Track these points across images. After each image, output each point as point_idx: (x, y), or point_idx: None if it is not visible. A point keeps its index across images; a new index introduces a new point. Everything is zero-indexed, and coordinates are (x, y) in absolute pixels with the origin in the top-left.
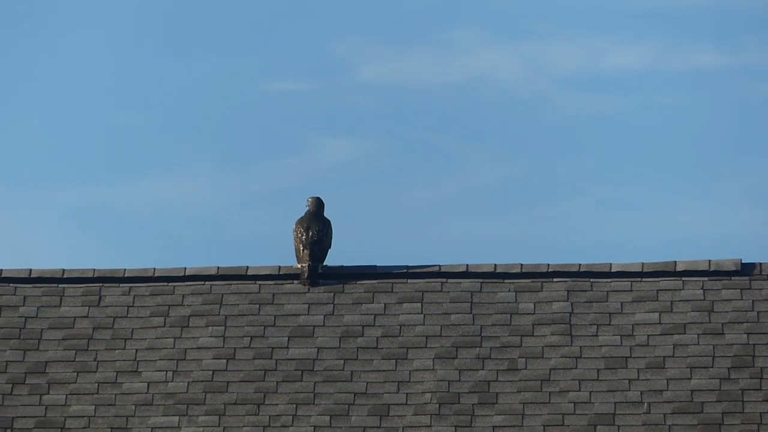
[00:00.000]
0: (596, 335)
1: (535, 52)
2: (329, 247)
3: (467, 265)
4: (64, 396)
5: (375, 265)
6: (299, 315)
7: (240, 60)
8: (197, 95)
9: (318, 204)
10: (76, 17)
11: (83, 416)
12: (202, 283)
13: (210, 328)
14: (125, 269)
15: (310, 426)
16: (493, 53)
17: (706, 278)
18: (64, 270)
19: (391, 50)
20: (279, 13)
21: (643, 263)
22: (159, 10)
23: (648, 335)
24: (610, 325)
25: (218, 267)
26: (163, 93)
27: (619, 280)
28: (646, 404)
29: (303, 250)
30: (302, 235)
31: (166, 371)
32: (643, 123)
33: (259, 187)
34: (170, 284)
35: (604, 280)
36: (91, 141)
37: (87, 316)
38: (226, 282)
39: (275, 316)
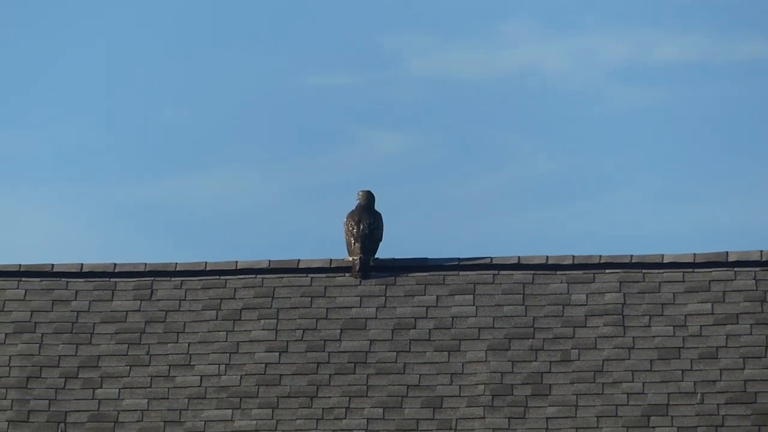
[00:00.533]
0: (649, 326)
1: (584, 45)
2: (380, 240)
3: (519, 257)
4: (117, 390)
5: (426, 258)
6: (351, 308)
7: (289, 54)
8: (247, 90)
9: (369, 197)
10: (125, 14)
11: (136, 410)
12: (254, 276)
13: (262, 321)
14: (177, 263)
15: (363, 418)
16: (542, 46)
17: (758, 268)
18: (115, 264)
19: (441, 43)
20: (328, 7)
21: (695, 254)
22: (207, 4)
23: (701, 326)
24: (662, 315)
25: (270, 260)
26: (213, 88)
27: (671, 270)
28: (699, 395)
29: (354, 243)
30: (353, 228)
31: (219, 365)
32: (692, 114)
33: (309, 180)
34: (222, 278)
35: (656, 270)
36: (141, 137)
37: (139, 310)
38: (278, 275)
39: (327, 309)
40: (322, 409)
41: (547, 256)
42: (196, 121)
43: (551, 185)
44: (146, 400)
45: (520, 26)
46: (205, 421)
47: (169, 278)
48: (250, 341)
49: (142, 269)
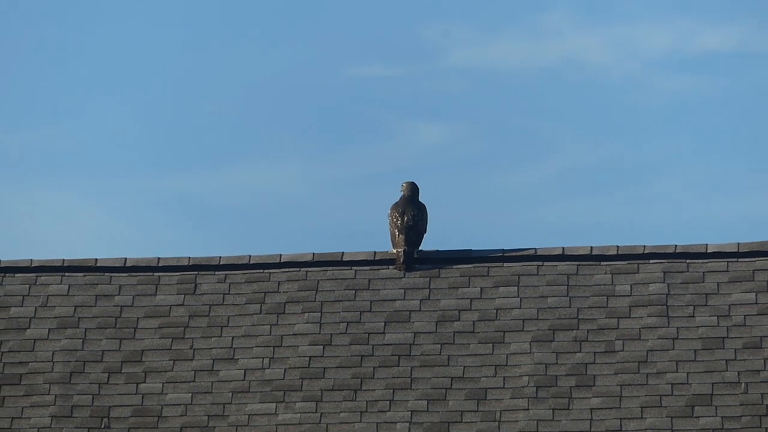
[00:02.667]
0: (693, 316)
1: (625, 35)
2: (424, 232)
3: (563, 248)
4: (161, 384)
5: (470, 249)
6: (395, 300)
7: (329, 46)
8: (287, 83)
9: (413, 189)
10: (166, 7)
11: (180, 404)
12: (298, 269)
13: (306, 314)
14: (220, 257)
15: (408, 411)
16: (583, 36)
17: None
18: (159, 258)
19: (481, 34)
20: None
21: (738, 243)
22: None
23: (745, 315)
24: (706, 305)
25: (314, 253)
26: (255, 81)
27: (715, 260)
28: (743, 384)
29: (398, 235)
30: (397, 220)
31: (263, 358)
32: (734, 103)
33: (352, 172)
34: (266, 271)
35: (701, 260)
36: (184, 130)
37: (183, 305)
38: (322, 268)
39: (371, 302)
40: (366, 402)
41: (591, 247)
42: (238, 114)
43: (594, 175)
44: (190, 394)
45: (560, 17)
46: (249, 415)
47: (212, 272)
48: (293, 335)
49: (185, 263)
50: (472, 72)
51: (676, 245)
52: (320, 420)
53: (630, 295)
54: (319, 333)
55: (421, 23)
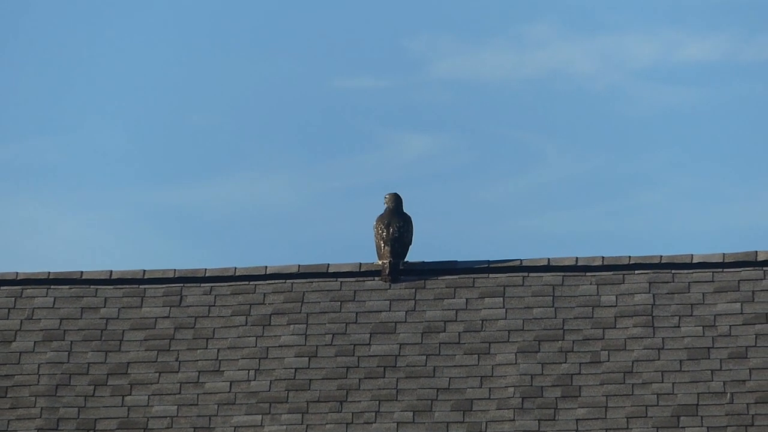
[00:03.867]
0: (678, 326)
1: (610, 45)
2: (410, 244)
3: (548, 258)
4: (147, 396)
5: (456, 261)
6: (381, 311)
7: (315, 57)
8: (274, 94)
9: (397, 200)
10: (152, 19)
11: (166, 416)
12: (284, 281)
13: (292, 326)
14: (206, 269)
15: (393, 422)
16: (568, 47)
17: None
18: (144, 271)
19: (467, 45)
20: (354, 11)
21: (724, 254)
22: (234, 10)
23: (730, 325)
24: (692, 316)
25: (299, 265)
26: (239, 93)
27: (700, 270)
28: (729, 395)
29: (384, 247)
30: (383, 232)
31: (249, 370)
32: (719, 114)
33: (337, 184)
34: (251, 283)
35: (686, 271)
36: (169, 143)
37: (168, 317)
38: (308, 280)
39: (357, 313)
40: (352, 413)
41: (577, 258)
42: (223, 126)
43: (580, 186)
44: (176, 406)
45: (546, 28)
46: (235, 427)
47: (198, 284)
48: (279, 346)
49: (171, 275)
50: (458, 83)
51: (661, 256)
52: (306, 431)
53: (615, 306)
54: (305, 345)
55: (407, 34)
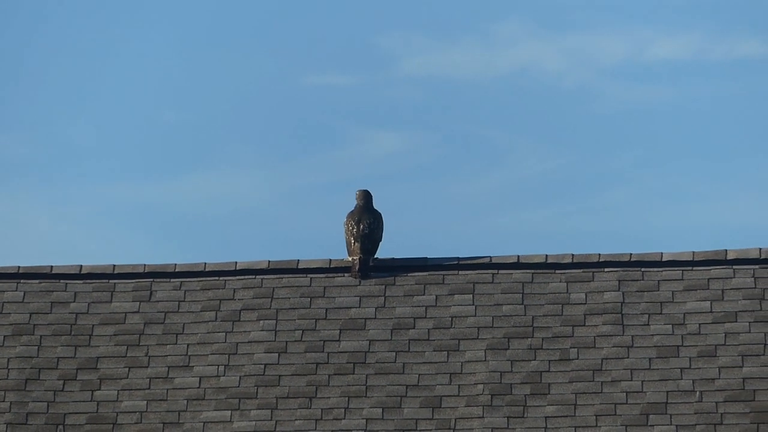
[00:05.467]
0: (648, 324)
1: (579, 43)
2: (380, 240)
3: (518, 256)
4: (116, 391)
5: (426, 257)
6: (350, 308)
7: (286, 55)
8: (244, 91)
9: (367, 197)
10: (125, 17)
11: (135, 411)
12: (253, 277)
13: (261, 321)
14: (176, 264)
15: (363, 419)
16: (538, 45)
17: (757, 266)
18: (114, 266)
19: (436, 43)
20: (323, 8)
21: (693, 252)
22: (202, 7)
23: (699, 324)
24: (661, 314)
25: (269, 261)
26: (210, 89)
27: (670, 269)
28: (698, 393)
29: (354, 243)
30: (353, 228)
31: (218, 365)
32: (689, 112)
33: (306, 180)
34: (221, 278)
35: (655, 269)
36: (138, 138)
37: (138, 312)
38: (277, 276)
39: (326, 309)
40: (321, 409)
41: (546, 255)
42: (193, 122)
43: (549, 184)
44: (145, 401)
45: (515, 26)
46: (204, 422)
47: (168, 279)
48: (249, 342)
49: (141, 270)
50: (429, 80)
51: (630, 254)
52: (275, 428)
53: (585, 303)
54: (275, 340)
55: (377, 32)
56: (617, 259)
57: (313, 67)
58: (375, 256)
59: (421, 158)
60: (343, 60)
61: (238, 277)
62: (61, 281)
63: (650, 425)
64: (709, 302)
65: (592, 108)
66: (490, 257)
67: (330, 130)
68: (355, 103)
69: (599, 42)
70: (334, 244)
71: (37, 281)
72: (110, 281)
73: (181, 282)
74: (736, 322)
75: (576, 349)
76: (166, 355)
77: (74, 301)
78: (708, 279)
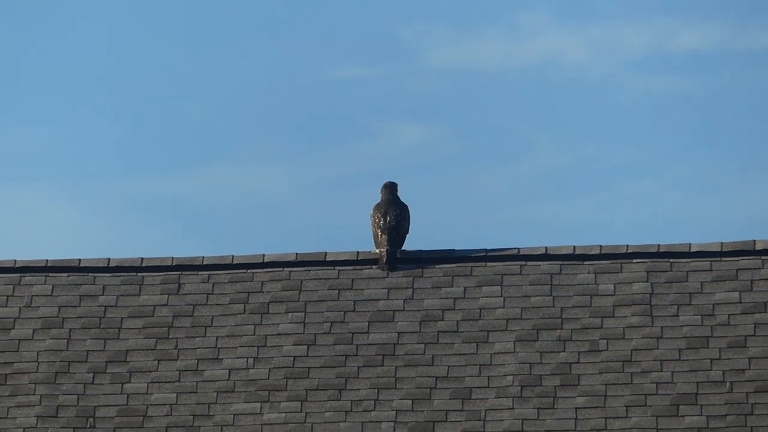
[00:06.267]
0: (677, 315)
1: (603, 35)
2: (407, 232)
3: (546, 247)
4: (146, 384)
5: (453, 249)
6: (379, 300)
7: (308, 47)
8: (268, 84)
9: (393, 189)
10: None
11: (165, 404)
12: (282, 269)
13: (290, 314)
14: (204, 257)
15: (392, 410)
16: (562, 36)
17: None
18: (143, 259)
19: (460, 35)
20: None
21: (722, 243)
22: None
23: (729, 314)
24: (690, 305)
25: (297, 253)
26: (236, 83)
27: (698, 259)
28: (728, 383)
29: (381, 235)
30: (380, 221)
31: (247, 358)
32: (714, 103)
33: (333, 173)
34: (249, 271)
35: (684, 260)
36: (167, 132)
37: (166, 305)
38: (305, 268)
39: (355, 302)
40: (351, 401)
41: (575, 246)
42: (220, 115)
43: (577, 175)
44: (175, 394)
45: (539, 17)
46: (234, 415)
47: (196, 272)
48: (278, 334)
49: (169, 263)
50: (452, 72)
51: (659, 245)
52: (305, 419)
53: (614, 295)
54: (303, 333)
55: (400, 24)
56: (646, 250)
57: (337, 59)
58: (402, 248)
59: (446, 150)
60: (366, 52)
61: (266, 270)
62: (90, 274)
63: (680, 416)
64: (738, 293)
65: (616, 99)
66: (518, 249)
67: (355, 123)
68: (379, 95)
69: (623, 33)
70: (361, 236)
71: (65, 275)
72: (139, 274)
73: (210, 275)
74: (765, 312)
75: (605, 341)
76: (196, 348)
77: (103, 294)
78: (737, 270)
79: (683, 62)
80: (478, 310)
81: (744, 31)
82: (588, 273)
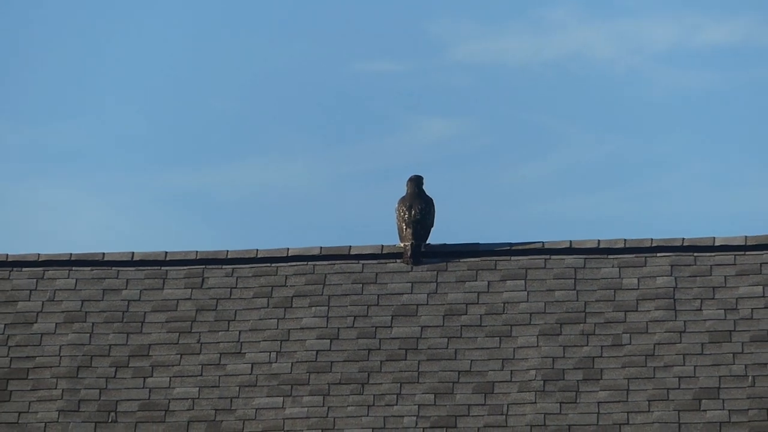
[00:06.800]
0: (700, 309)
1: (630, 29)
2: (432, 226)
3: (570, 241)
4: (168, 378)
5: (478, 243)
6: (402, 294)
7: (334, 41)
8: (293, 78)
9: (419, 182)
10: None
11: (187, 398)
12: (305, 263)
13: (313, 308)
14: (228, 251)
15: (415, 404)
16: (588, 30)
17: None
18: (166, 252)
19: (486, 29)
20: None
21: (746, 236)
22: None
23: (752, 308)
24: (713, 299)
25: (321, 247)
26: (260, 77)
27: (722, 253)
28: (750, 378)
29: (406, 229)
30: (405, 214)
31: (270, 352)
32: (739, 97)
33: (357, 167)
34: (273, 265)
35: (708, 254)
36: (191, 125)
37: (190, 299)
38: (329, 262)
39: (378, 296)
40: (374, 395)
41: (599, 240)
42: (244, 109)
43: (601, 169)
44: (197, 388)
45: (565, 11)
46: (256, 409)
47: (220, 266)
48: (301, 329)
49: (193, 257)
50: (478, 67)
51: (683, 238)
52: (327, 414)
53: (637, 289)
54: (327, 327)
55: (426, 18)
56: (670, 244)
57: (363, 53)
58: (427, 242)
59: (472, 144)
60: (393, 47)
61: (290, 264)
62: (113, 268)
63: (703, 410)
64: (761, 287)
65: (642, 93)
66: (543, 242)
67: (381, 117)
68: (404, 89)
69: (649, 27)
70: (385, 230)
71: (89, 268)
72: (162, 268)
73: (233, 269)
74: None
75: (628, 335)
76: (218, 342)
77: (126, 288)
78: (760, 264)
79: (709, 57)
80: (502, 304)
81: None
82: (612, 267)
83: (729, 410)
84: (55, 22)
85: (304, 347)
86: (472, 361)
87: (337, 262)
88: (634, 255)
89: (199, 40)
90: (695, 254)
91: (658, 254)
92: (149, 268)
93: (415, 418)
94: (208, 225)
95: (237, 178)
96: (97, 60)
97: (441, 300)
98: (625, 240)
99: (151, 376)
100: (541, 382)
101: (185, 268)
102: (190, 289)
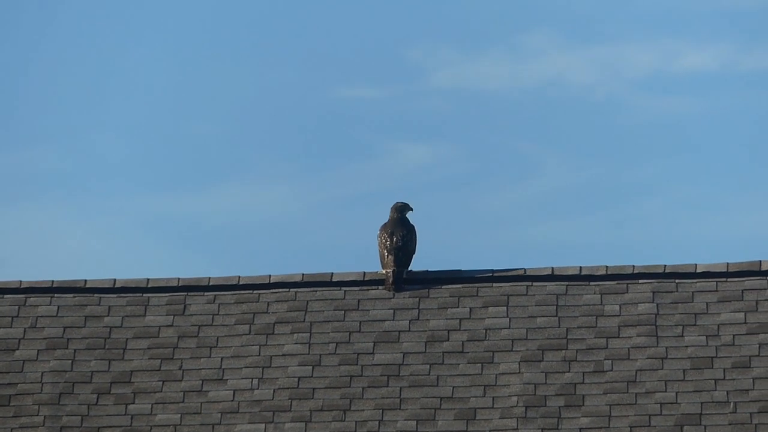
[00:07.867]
0: (682, 336)
1: (608, 55)
2: (414, 253)
3: (552, 268)
4: (150, 405)
5: (460, 270)
6: (384, 320)
7: (315, 67)
8: (274, 104)
9: (403, 210)
10: (155, 30)
11: (169, 425)
12: (287, 290)
13: (295, 335)
14: (209, 277)
15: (397, 431)
16: (567, 56)
17: None
18: (148, 279)
19: (465, 55)
20: (352, 20)
21: (728, 263)
22: (232, 19)
23: (734, 335)
24: (695, 325)
25: (303, 274)
26: (242, 102)
27: (704, 280)
28: (732, 404)
29: (387, 256)
30: (386, 241)
31: (252, 379)
32: (720, 123)
33: (338, 193)
34: (255, 292)
35: (689, 280)
36: (172, 151)
37: (172, 325)
38: (311, 288)
39: (360, 322)
40: (356, 422)
41: (581, 267)
42: (225, 135)
43: (582, 195)
44: (179, 415)
45: (543, 37)
46: None
47: (201, 293)
48: (283, 355)
49: (174, 284)
50: (457, 92)
51: (665, 265)
52: None
53: (619, 315)
54: (309, 353)
55: (405, 44)
56: (651, 271)
57: (343, 79)
58: (409, 269)
59: (452, 170)
60: (372, 73)
61: (272, 290)
62: (95, 295)
63: None
64: (743, 313)
65: (621, 119)
66: (524, 269)
67: (360, 143)
68: (384, 115)
69: (628, 53)
70: (367, 256)
71: (71, 295)
72: (144, 295)
73: (215, 295)
74: None
75: (610, 361)
76: (200, 369)
77: (108, 315)
78: (742, 290)
79: (689, 83)
80: (484, 331)
81: (749, 52)
82: (594, 293)
83: None
84: (35, 47)
85: (286, 374)
86: (454, 387)
87: (319, 288)
88: (615, 281)
89: (182, 64)
90: (677, 281)
91: (640, 281)
92: (131, 294)
93: None
94: (190, 252)
95: (218, 204)
96: (79, 85)
97: (423, 326)
98: (606, 267)
99: (133, 403)
100: (523, 409)
101: (167, 294)
102: (172, 316)
